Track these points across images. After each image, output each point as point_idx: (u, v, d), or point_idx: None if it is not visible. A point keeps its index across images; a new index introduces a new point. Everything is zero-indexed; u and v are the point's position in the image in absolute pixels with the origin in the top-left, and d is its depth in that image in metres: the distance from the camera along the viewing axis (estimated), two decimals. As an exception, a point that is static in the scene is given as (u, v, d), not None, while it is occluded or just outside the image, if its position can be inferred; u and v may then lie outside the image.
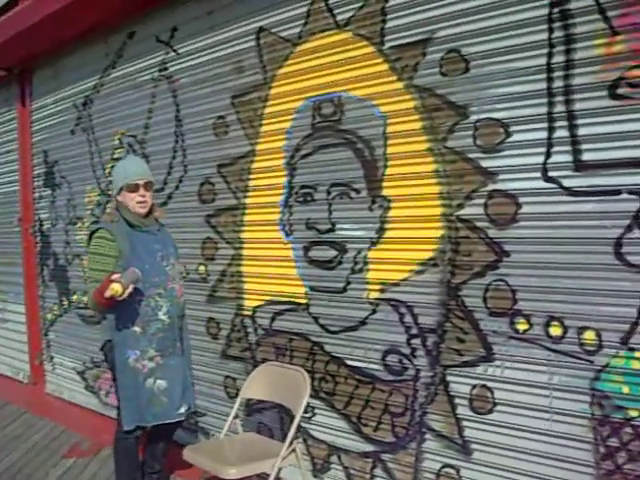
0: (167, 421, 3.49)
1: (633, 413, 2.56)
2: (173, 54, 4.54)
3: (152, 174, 3.62)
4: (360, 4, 3.39)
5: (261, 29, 3.92)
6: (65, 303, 6.00)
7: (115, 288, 3.06)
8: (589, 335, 2.65)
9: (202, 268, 4.42)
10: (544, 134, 2.75)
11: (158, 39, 4.65)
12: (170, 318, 3.46)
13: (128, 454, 3.58)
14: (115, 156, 5.16)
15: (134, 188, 3.44)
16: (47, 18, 4.98)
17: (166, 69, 4.62)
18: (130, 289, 3.13)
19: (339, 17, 3.49)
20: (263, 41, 3.91)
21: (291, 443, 3.28)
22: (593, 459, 2.65)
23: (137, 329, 3.40)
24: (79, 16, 4.89)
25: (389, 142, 3.31)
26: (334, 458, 3.68)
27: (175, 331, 3.50)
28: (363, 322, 3.48)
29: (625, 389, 2.58)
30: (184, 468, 3.91)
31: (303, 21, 3.67)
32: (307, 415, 3.74)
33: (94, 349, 5.53)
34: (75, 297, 5.80)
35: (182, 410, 3.50)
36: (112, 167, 4.98)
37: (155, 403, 3.42)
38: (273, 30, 3.85)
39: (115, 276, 3.11)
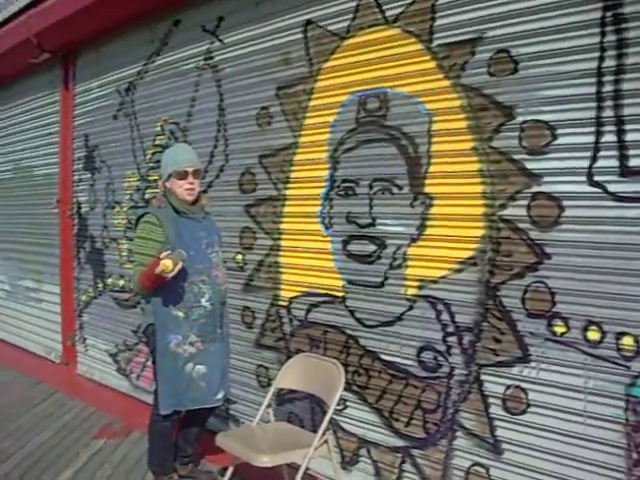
0: (204, 406, 3.54)
1: (668, 421, 2.56)
2: (218, 43, 4.57)
3: (200, 162, 3.67)
4: (410, 1, 3.39)
5: (309, 22, 3.93)
6: (100, 286, 6.09)
7: (166, 264, 3.12)
8: (627, 341, 2.65)
9: (239, 257, 4.46)
10: (591, 138, 2.74)
11: (204, 28, 4.69)
12: (212, 305, 3.50)
13: (163, 436, 3.64)
14: (157, 142, 5.21)
15: (183, 175, 3.48)
16: (92, 3, 5.03)
17: (211, 58, 4.65)
18: (180, 266, 3.18)
19: (388, 13, 3.50)
20: (310, 34, 3.93)
21: (323, 434, 3.30)
22: (625, 465, 2.64)
23: (180, 314, 3.45)
24: (124, 3, 4.94)
25: (433, 140, 3.31)
26: (363, 451, 3.70)
27: (216, 318, 3.55)
28: (399, 318, 3.49)
29: (661, 396, 2.58)
30: (214, 454, 3.97)
31: (351, 15, 3.68)
32: (339, 407, 3.76)
33: (127, 332, 5.60)
34: (110, 280, 5.88)
35: (219, 396, 3.55)
36: (153, 153, 5.09)
37: (193, 388, 3.47)
38: (321, 23, 3.86)
39: (164, 254, 3.17)
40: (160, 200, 3.57)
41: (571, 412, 2.82)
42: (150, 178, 5.28)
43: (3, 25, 6.94)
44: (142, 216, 3.51)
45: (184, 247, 3.34)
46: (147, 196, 5.26)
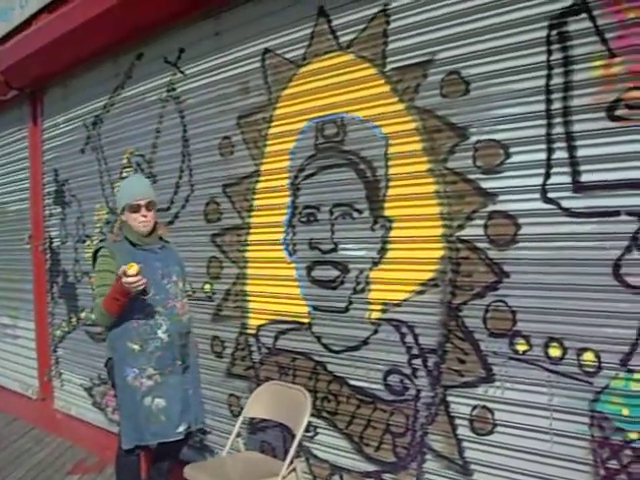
0: (166, 440, 3.47)
1: (633, 435, 2.54)
2: (180, 75, 4.59)
3: (156, 193, 3.68)
4: (363, 26, 3.42)
5: (266, 50, 3.95)
6: (74, 320, 6.03)
7: (132, 264, 3.11)
8: (588, 356, 2.64)
9: (207, 287, 4.44)
10: (543, 155, 2.76)
11: (166, 60, 4.70)
12: (170, 336, 3.45)
13: (130, 471, 3.58)
14: (124, 175, 5.19)
15: (136, 208, 3.48)
16: (58, 40, 5.06)
17: (174, 90, 4.66)
18: (144, 280, 3.17)
19: (342, 39, 3.52)
20: (268, 62, 3.95)
21: (291, 462, 3.28)
22: (593, 481, 2.63)
23: (136, 347, 3.40)
24: (89, 38, 4.96)
25: (391, 163, 3.32)
26: (336, 478, 3.66)
27: (175, 349, 3.48)
28: (365, 342, 3.48)
29: (625, 411, 2.56)
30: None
31: (307, 43, 3.71)
32: (309, 434, 3.74)
33: (101, 366, 5.50)
34: (83, 314, 5.83)
35: (181, 429, 3.47)
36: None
37: (153, 421, 3.41)
38: (278, 51, 3.88)
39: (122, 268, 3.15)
40: (116, 234, 3.57)
41: (537, 430, 2.81)
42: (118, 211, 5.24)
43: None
44: (98, 250, 3.53)
45: None
46: (104, 230, 5.25)
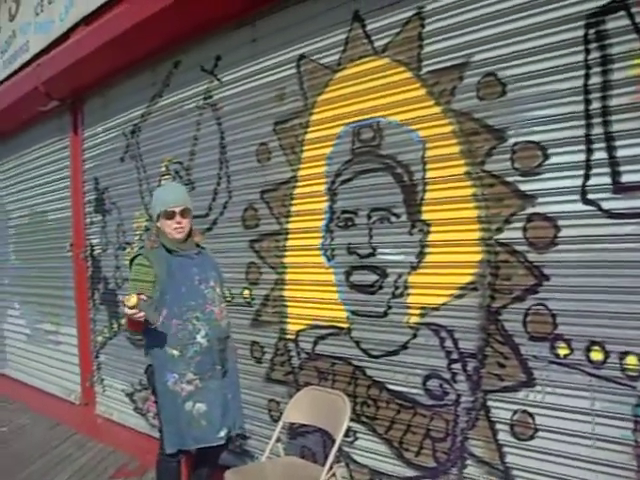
0: (207, 445, 3.48)
1: (677, 440, 2.51)
2: (217, 82, 4.63)
3: (192, 200, 3.69)
4: (397, 30, 3.42)
5: (302, 56, 3.97)
6: (115, 326, 6.11)
7: (131, 296, 3.13)
8: (631, 360, 2.61)
9: (246, 292, 4.46)
10: (582, 156, 2.73)
11: (202, 68, 4.75)
12: (209, 341, 3.46)
13: (170, 477, 3.61)
14: (162, 183, 5.24)
15: (171, 215, 3.50)
16: (96, 51, 5.15)
17: (210, 97, 4.70)
18: (142, 314, 3.17)
19: (377, 43, 3.53)
20: (304, 68, 3.96)
21: (331, 468, 3.28)
22: (637, 487, 2.59)
23: (175, 352, 3.42)
24: (126, 48, 5.03)
25: (428, 166, 3.32)
26: (376, 483, 3.66)
27: (214, 354, 3.49)
28: (404, 346, 3.47)
29: (669, 416, 2.53)
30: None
31: (342, 48, 3.72)
32: (349, 439, 3.73)
33: (142, 372, 5.59)
34: (124, 320, 5.87)
35: (222, 434, 3.48)
36: None
37: (194, 426, 3.42)
38: (313, 57, 3.90)
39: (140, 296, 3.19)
40: (153, 241, 3.58)
41: (579, 435, 2.78)
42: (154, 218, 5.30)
43: (13, 75, 7.12)
44: (134, 259, 3.54)
45: (175, 284, 3.39)
46: (144, 237, 5.31)
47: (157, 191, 3.79)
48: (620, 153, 2.63)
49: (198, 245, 3.69)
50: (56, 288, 7.22)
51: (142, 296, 3.21)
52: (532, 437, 2.93)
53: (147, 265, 3.44)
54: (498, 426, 3.06)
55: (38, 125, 7.31)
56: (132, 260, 3.56)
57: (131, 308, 3.12)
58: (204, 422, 3.44)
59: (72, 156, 6.65)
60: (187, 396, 3.42)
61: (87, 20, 5.65)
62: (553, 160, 2.82)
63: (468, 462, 3.20)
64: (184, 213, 3.54)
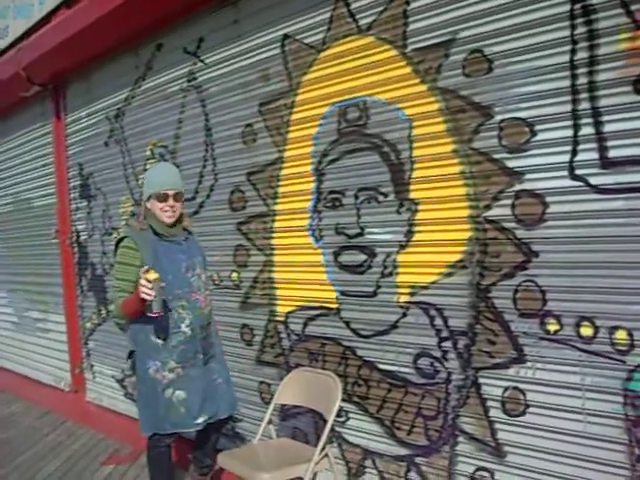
0: (184, 430, 3.47)
1: (668, 413, 2.52)
2: (200, 64, 4.59)
3: (183, 184, 3.61)
4: (382, 8, 3.39)
5: (286, 36, 3.94)
6: (103, 312, 6.09)
7: (152, 271, 3.07)
8: (621, 335, 2.62)
9: (235, 275, 4.44)
10: (569, 132, 2.72)
11: (185, 50, 4.70)
12: (192, 330, 3.42)
13: (160, 462, 3.59)
14: (147, 167, 5.21)
15: (163, 198, 3.40)
16: (77, 34, 5.09)
17: (194, 79, 4.66)
18: (152, 293, 3.06)
19: (361, 22, 3.50)
20: (288, 48, 3.93)
21: (323, 448, 3.29)
22: (628, 461, 2.61)
23: (159, 341, 3.38)
24: (108, 31, 4.97)
25: (415, 145, 3.30)
26: (368, 462, 3.67)
27: (197, 342, 3.45)
28: (394, 326, 3.47)
29: (659, 389, 2.55)
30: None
31: (326, 27, 3.69)
32: (341, 419, 3.75)
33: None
34: (112, 306, 5.86)
35: (199, 420, 3.44)
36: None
37: (172, 412, 3.39)
38: (297, 37, 3.86)
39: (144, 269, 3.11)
40: (141, 222, 3.47)
41: (570, 410, 2.80)
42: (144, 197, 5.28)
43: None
44: (121, 240, 3.43)
45: (161, 271, 3.23)
46: (130, 221, 5.27)
47: (151, 171, 3.65)
48: (607, 128, 2.62)
49: (186, 230, 3.61)
50: (43, 275, 7.19)
51: (162, 284, 3.12)
52: (523, 413, 2.95)
53: (134, 248, 3.34)
54: (489, 403, 3.08)
55: (20, 111, 7.25)
56: (118, 242, 3.44)
57: (148, 282, 3.05)
58: (182, 409, 3.41)
59: (55, 142, 6.60)
60: (168, 383, 3.39)
61: (68, 3, 5.57)
62: (540, 136, 2.82)
63: (460, 439, 3.21)
64: (177, 197, 3.45)
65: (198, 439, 3.78)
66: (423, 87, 3.24)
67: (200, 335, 3.48)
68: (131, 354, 3.54)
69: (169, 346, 3.38)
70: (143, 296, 3.07)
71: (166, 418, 3.41)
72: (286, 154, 4.00)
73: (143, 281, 3.05)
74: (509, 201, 2.93)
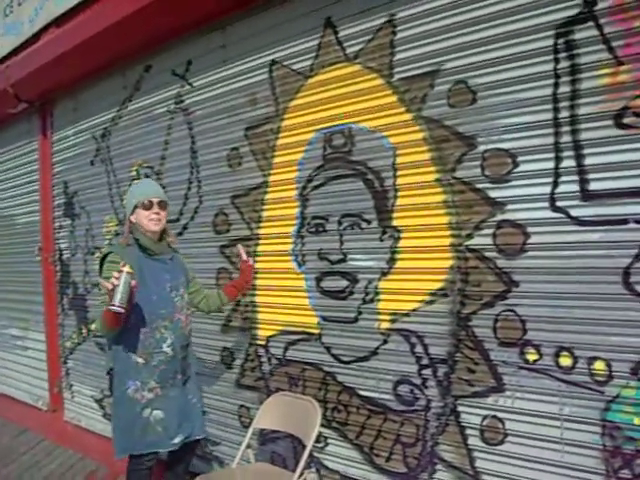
0: (159, 450, 3.44)
1: (645, 444, 2.54)
2: (188, 87, 4.61)
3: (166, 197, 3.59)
4: (369, 37, 3.43)
5: (273, 62, 3.97)
6: (84, 331, 6.04)
7: (130, 268, 2.96)
8: (599, 365, 2.65)
9: (217, 298, 4.43)
10: (551, 164, 2.77)
11: (174, 72, 4.72)
12: (173, 350, 3.40)
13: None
14: (141, 180, 5.20)
15: (148, 205, 3.38)
16: (66, 53, 5.09)
17: (182, 101, 4.68)
18: (118, 285, 2.91)
19: (349, 50, 3.54)
20: (275, 74, 3.96)
21: (302, 474, 3.28)
22: (605, 491, 2.62)
23: (140, 360, 3.34)
24: (97, 51, 4.99)
25: (399, 173, 3.33)
26: (347, 488, 3.66)
27: (177, 363, 3.44)
28: (374, 352, 3.48)
29: (636, 420, 2.57)
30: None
31: (314, 54, 3.72)
32: (320, 445, 3.74)
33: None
34: (93, 326, 5.83)
35: (176, 440, 3.42)
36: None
37: (150, 432, 3.36)
38: (285, 63, 3.90)
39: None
40: (126, 237, 3.46)
41: (548, 440, 2.82)
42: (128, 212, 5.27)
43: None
44: (106, 256, 3.37)
45: (146, 291, 3.25)
46: (113, 241, 5.27)
47: (133, 186, 3.63)
48: (588, 161, 2.67)
49: (170, 247, 3.59)
50: (24, 293, 7.12)
51: (134, 282, 2.99)
52: (502, 442, 2.96)
53: (119, 262, 3.18)
54: (468, 431, 3.09)
55: (6, 128, 7.21)
56: (103, 258, 3.37)
57: (119, 273, 2.91)
58: (159, 428, 3.38)
59: (41, 159, 6.57)
60: (146, 403, 3.35)
61: (57, 22, 5.59)
62: (522, 167, 2.86)
63: (438, 467, 3.21)
64: (162, 205, 3.44)
65: (171, 460, 3.73)
66: (408, 116, 3.28)
67: (180, 355, 3.46)
68: (109, 372, 3.51)
69: (150, 366, 3.34)
70: (112, 280, 2.91)
71: (142, 439, 3.36)
72: (271, 178, 4.01)
73: (115, 272, 2.95)
74: (491, 230, 2.97)
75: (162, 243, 3.51)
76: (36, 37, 5.92)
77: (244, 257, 3.75)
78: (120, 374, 3.40)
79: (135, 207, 3.42)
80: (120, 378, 3.39)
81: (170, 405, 3.41)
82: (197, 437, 3.57)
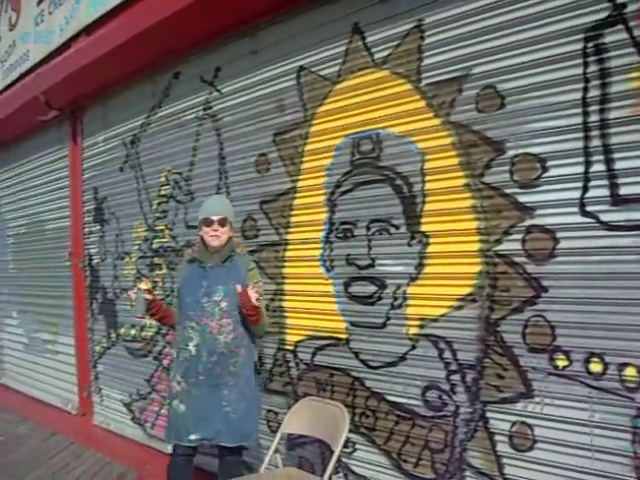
0: (179, 442, 3.66)
1: (675, 452, 2.51)
2: (217, 93, 4.65)
3: (233, 212, 3.86)
4: (397, 42, 3.44)
5: (301, 68, 3.99)
6: (113, 336, 6.09)
7: (146, 283, 3.67)
8: (630, 372, 2.62)
9: (245, 303, 4.44)
10: (581, 168, 2.75)
11: (202, 79, 4.77)
12: (198, 352, 3.61)
13: (173, 472, 3.70)
14: (162, 193, 5.26)
15: (209, 223, 3.70)
16: (96, 61, 5.16)
17: (210, 108, 4.72)
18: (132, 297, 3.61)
19: (376, 55, 3.55)
20: (303, 80, 3.98)
21: (329, 478, 3.28)
22: (635, 499, 2.59)
23: (175, 353, 3.82)
24: (127, 58, 5.05)
25: (427, 178, 3.33)
26: (375, 494, 3.65)
27: (200, 365, 3.60)
28: (403, 358, 3.47)
29: (668, 427, 2.54)
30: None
31: (342, 60, 3.74)
32: (348, 450, 3.73)
33: (140, 381, 5.59)
34: (122, 330, 5.89)
35: (193, 437, 3.61)
36: (159, 203, 5.27)
37: (176, 423, 3.68)
38: (313, 69, 3.92)
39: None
40: (193, 250, 3.90)
41: (578, 447, 2.78)
42: (157, 228, 5.32)
43: (13, 85, 7.13)
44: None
45: (184, 294, 3.74)
46: (155, 246, 5.32)
47: (204, 201, 3.96)
48: (618, 165, 2.65)
49: (231, 256, 3.76)
50: (54, 297, 7.21)
51: (154, 292, 3.69)
52: (531, 448, 2.94)
53: (178, 270, 4.01)
54: (497, 437, 3.07)
55: (38, 134, 7.32)
56: None
57: (139, 289, 3.59)
58: (181, 422, 3.65)
59: (71, 165, 6.65)
60: (175, 394, 3.71)
61: (88, 30, 5.67)
62: (552, 172, 2.84)
63: (467, 473, 3.20)
64: (222, 222, 3.71)
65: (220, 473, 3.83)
66: (436, 121, 3.28)
67: (207, 359, 3.59)
68: None
69: (179, 360, 3.72)
70: (129, 293, 3.68)
71: (172, 427, 3.71)
72: (299, 184, 4.03)
73: (135, 288, 3.62)
74: (520, 236, 2.95)
75: (218, 253, 3.74)
76: (67, 45, 6.02)
77: (238, 289, 3.61)
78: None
79: (200, 223, 3.76)
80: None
81: (192, 403, 3.64)
82: (224, 444, 3.62)
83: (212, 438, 3.61)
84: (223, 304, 3.64)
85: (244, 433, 3.65)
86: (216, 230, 3.69)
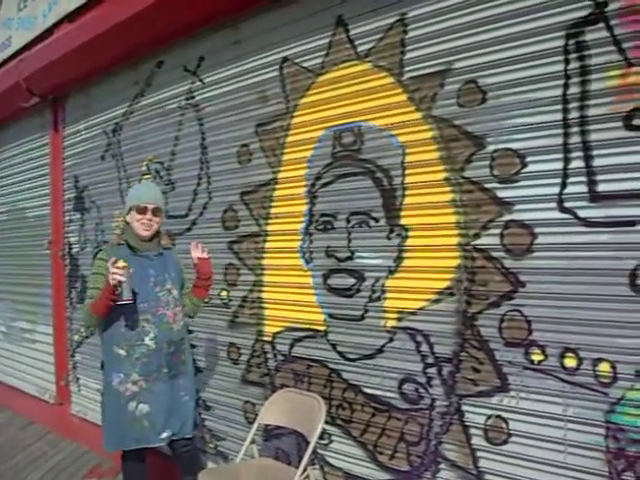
0: (147, 445, 3.50)
1: (649, 447, 2.53)
2: (199, 83, 4.62)
3: (164, 203, 3.76)
4: (380, 36, 3.44)
5: (285, 59, 3.98)
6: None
7: (124, 261, 3.19)
8: (604, 367, 2.64)
9: (224, 293, 4.45)
10: (560, 165, 2.76)
11: (185, 68, 4.74)
12: (157, 344, 3.47)
13: (131, 476, 3.63)
14: (143, 182, 5.23)
15: (142, 210, 3.53)
16: (79, 48, 5.12)
17: (193, 97, 4.69)
18: (122, 279, 3.16)
19: (360, 48, 3.54)
20: (286, 71, 3.97)
21: (305, 470, 3.28)
22: (608, 493, 2.61)
23: (122, 352, 3.44)
24: (109, 46, 5.01)
25: (407, 172, 3.33)
26: (350, 486, 3.67)
27: (161, 357, 3.49)
28: (380, 350, 3.48)
29: (640, 422, 2.56)
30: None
31: (325, 52, 3.73)
32: (324, 442, 3.74)
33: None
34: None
35: (164, 435, 3.50)
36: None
37: (136, 427, 3.44)
38: (296, 60, 3.91)
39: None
40: (119, 237, 3.63)
41: (552, 441, 2.81)
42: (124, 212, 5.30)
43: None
44: (97, 253, 3.56)
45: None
46: (117, 231, 5.30)
47: (134, 187, 3.82)
48: (597, 162, 2.66)
49: (159, 245, 3.68)
50: (33, 286, 7.16)
51: (131, 270, 3.25)
52: (505, 442, 2.96)
53: (106, 260, 3.33)
54: (472, 431, 3.09)
55: (19, 121, 7.26)
56: (96, 254, 3.57)
57: (122, 270, 3.16)
58: (146, 423, 3.45)
59: (52, 153, 6.61)
60: (131, 396, 3.44)
61: (70, 17, 5.62)
62: (531, 168, 2.85)
63: (442, 466, 3.21)
64: (156, 212, 3.56)
65: (179, 465, 3.77)
66: (418, 115, 3.28)
67: (167, 350, 3.52)
68: (102, 365, 3.57)
69: (132, 358, 3.44)
70: (115, 277, 3.14)
71: (129, 433, 3.44)
72: (280, 175, 4.02)
73: (113, 268, 3.15)
74: (498, 230, 2.96)
75: (152, 243, 3.62)
76: (49, 32, 5.97)
77: (197, 254, 3.70)
78: (106, 366, 3.52)
79: (130, 208, 3.56)
80: (106, 370, 3.52)
81: (156, 399, 3.47)
82: (187, 435, 3.62)
83: (179, 431, 3.58)
84: (174, 292, 3.63)
85: (196, 421, 3.66)
86: (150, 219, 3.54)
